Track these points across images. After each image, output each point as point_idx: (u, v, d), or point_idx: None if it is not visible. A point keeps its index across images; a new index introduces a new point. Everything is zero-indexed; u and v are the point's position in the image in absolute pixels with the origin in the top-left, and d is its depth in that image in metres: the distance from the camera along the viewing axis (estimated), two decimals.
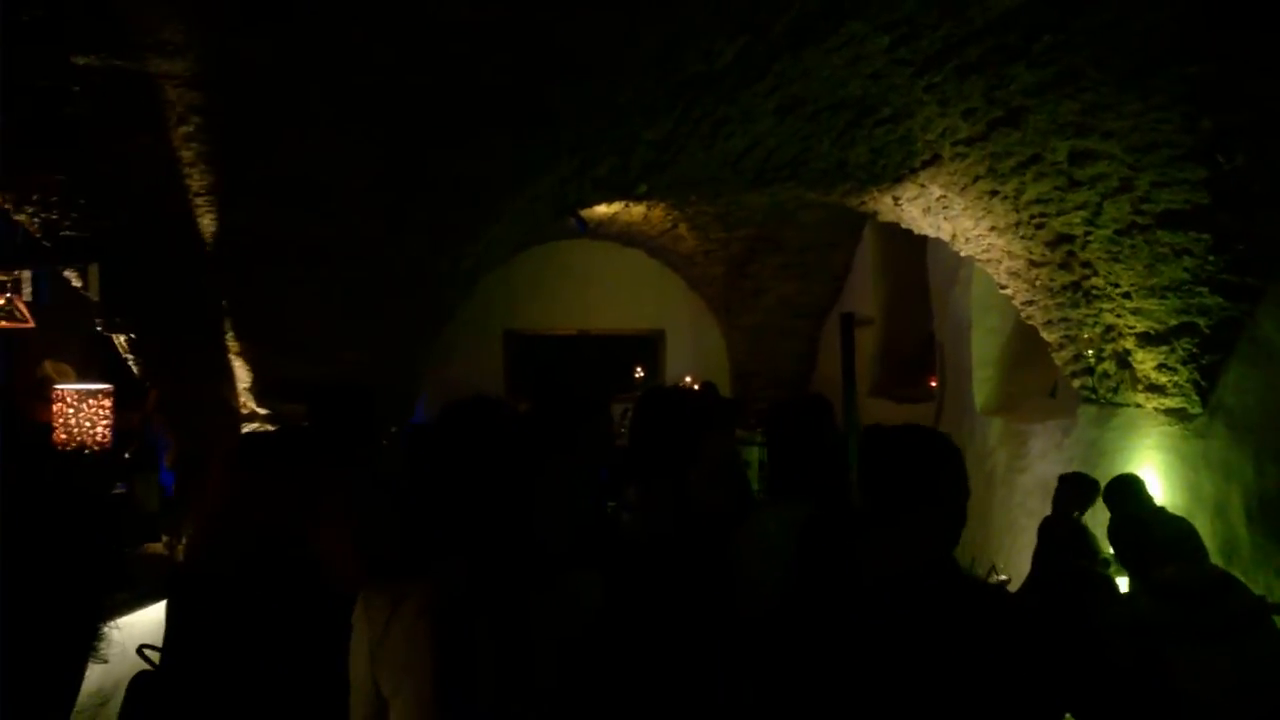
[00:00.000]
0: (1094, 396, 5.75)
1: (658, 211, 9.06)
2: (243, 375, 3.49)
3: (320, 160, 3.11)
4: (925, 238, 7.80)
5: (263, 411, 3.56)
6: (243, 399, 3.55)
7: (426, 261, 3.55)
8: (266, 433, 3.12)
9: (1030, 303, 5.95)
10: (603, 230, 9.95)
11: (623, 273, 10.83)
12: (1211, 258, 4.39)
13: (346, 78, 2.93)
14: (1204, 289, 4.53)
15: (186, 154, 3.03)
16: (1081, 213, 4.86)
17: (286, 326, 3.45)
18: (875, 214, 6.83)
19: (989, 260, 6.09)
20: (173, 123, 2.94)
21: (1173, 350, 4.89)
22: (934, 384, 8.16)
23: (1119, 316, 5.13)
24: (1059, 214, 5.02)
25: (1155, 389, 5.15)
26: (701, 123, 4.95)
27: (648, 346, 11.24)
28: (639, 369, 11.26)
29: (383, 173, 3.23)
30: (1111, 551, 4.55)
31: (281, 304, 3.43)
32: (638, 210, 9.03)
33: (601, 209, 8.64)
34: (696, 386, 10.29)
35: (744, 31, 3.44)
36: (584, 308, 10.84)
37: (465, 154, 3.26)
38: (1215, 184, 4.10)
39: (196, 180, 3.10)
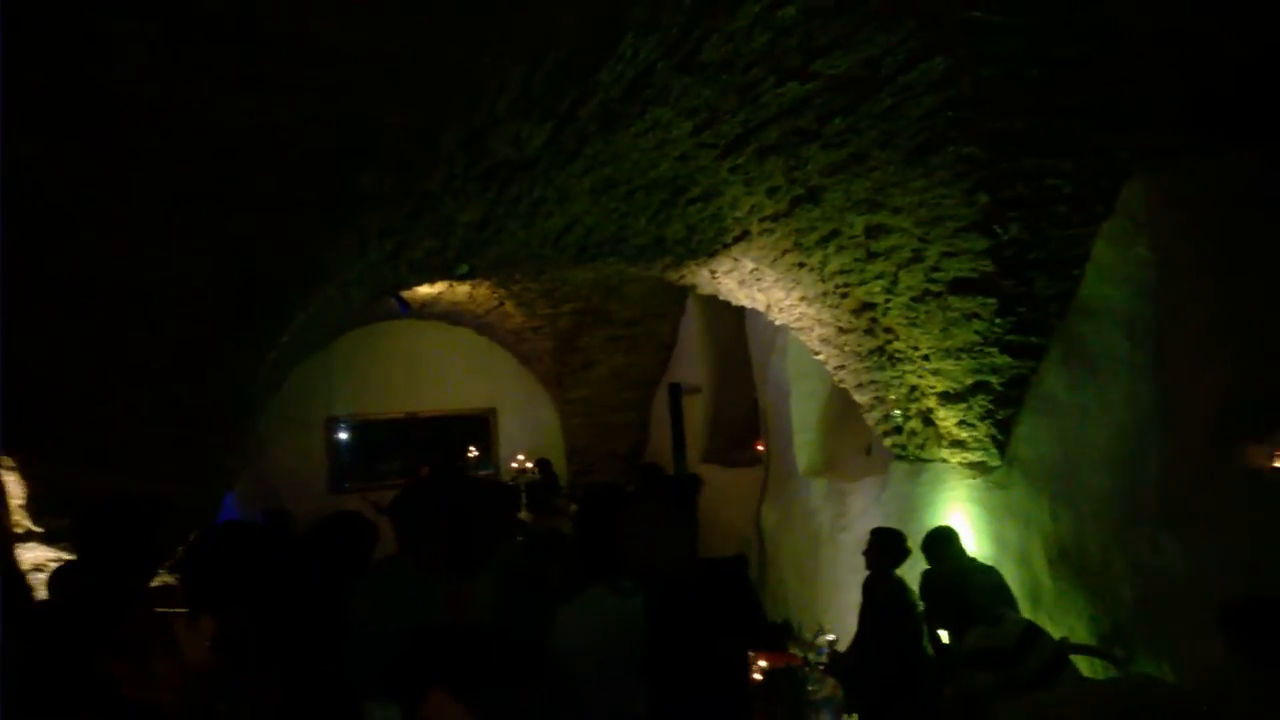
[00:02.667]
0: (904, 454, 6.04)
1: (483, 290, 9.01)
2: (15, 490, 3.16)
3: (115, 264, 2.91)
4: (744, 308, 8.10)
5: (39, 529, 3.23)
6: (16, 516, 3.22)
7: (227, 355, 3.35)
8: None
9: (841, 367, 6.22)
10: (427, 310, 9.79)
11: (451, 352, 10.67)
12: (998, 320, 4.73)
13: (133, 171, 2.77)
14: (994, 349, 4.86)
15: None
16: (880, 282, 5.15)
17: (63, 433, 3.17)
18: (695, 286, 7.03)
19: (802, 328, 6.36)
20: None
21: (970, 407, 5.21)
22: (761, 448, 8.38)
23: (920, 377, 5.43)
24: (861, 283, 5.31)
25: (958, 444, 5.46)
26: (519, 203, 4.96)
27: (479, 426, 11.05)
28: (472, 449, 11.05)
29: (188, 270, 3.05)
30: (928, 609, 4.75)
31: (90, 412, 3.15)
32: (462, 290, 8.95)
33: (425, 289, 8.51)
34: (531, 465, 10.18)
35: (550, 118, 3.50)
36: (412, 389, 10.58)
37: (269, 244, 3.13)
38: (996, 253, 4.43)
39: None
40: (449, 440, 10.72)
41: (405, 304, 8.22)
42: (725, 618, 2.82)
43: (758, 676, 4.90)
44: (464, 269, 6.30)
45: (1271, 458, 3.97)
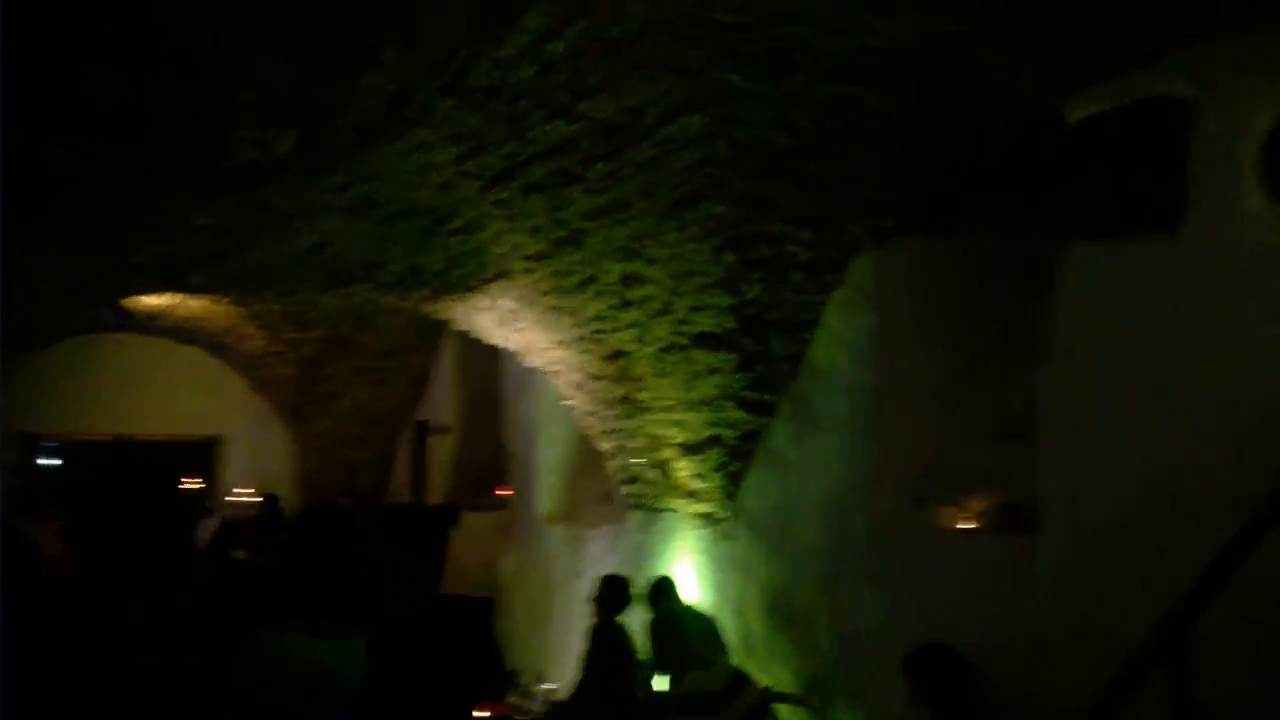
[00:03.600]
0: (640, 502, 6.17)
1: (222, 306, 8.40)
2: None
3: None
4: (499, 348, 8.05)
5: None
6: None
7: None
8: None
9: (590, 413, 6.30)
10: (154, 324, 8.99)
11: (175, 372, 9.87)
12: (737, 376, 4.97)
13: None
14: (731, 403, 5.10)
15: None
16: (633, 330, 5.28)
17: None
18: (451, 322, 6.92)
19: (554, 372, 6.39)
20: None
21: (705, 459, 5.41)
22: (506, 493, 8.29)
23: (663, 428, 5.59)
24: (614, 331, 5.42)
25: (691, 495, 5.65)
26: (266, 214, 4.69)
27: (202, 454, 10.23)
28: (194, 479, 10.21)
29: None
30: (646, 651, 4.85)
31: None
32: (198, 304, 8.30)
33: (152, 300, 7.82)
34: (259, 498, 9.53)
35: (298, 123, 3.34)
36: (127, 410, 9.67)
37: None
38: (739, 311, 4.67)
39: None
40: (166, 468, 9.88)
41: (124, 314, 7.48)
42: (464, 666, 2.68)
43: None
44: (197, 280, 5.86)
45: (956, 519, 4.39)
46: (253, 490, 9.67)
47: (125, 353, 9.51)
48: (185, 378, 9.92)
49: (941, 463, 4.44)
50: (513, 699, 5.16)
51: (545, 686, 5.27)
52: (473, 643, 4.66)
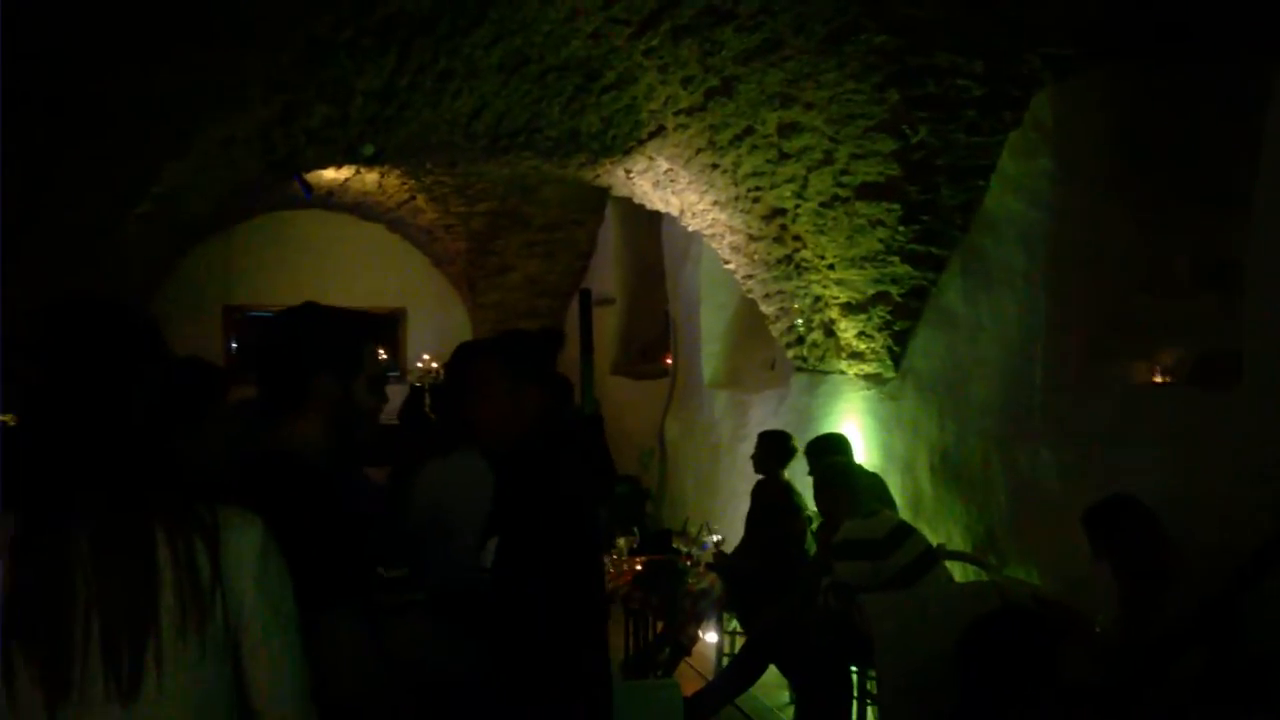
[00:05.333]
0: (805, 365, 6.06)
1: (393, 180, 8.69)
2: None
3: None
4: (661, 217, 7.98)
5: None
6: None
7: (79, 200, 3.12)
8: None
9: (750, 276, 6.18)
10: (335, 200, 9.43)
11: (361, 247, 10.33)
12: (901, 228, 4.71)
13: None
14: (895, 258, 4.85)
15: None
16: (791, 185, 5.08)
17: None
18: (610, 188, 6.88)
19: (714, 235, 6.28)
20: None
21: (870, 318, 5.22)
22: (669, 361, 8.35)
23: (825, 287, 5.41)
24: (772, 187, 5.23)
25: (856, 356, 5.49)
26: (423, 75, 4.74)
27: (388, 325, 10.80)
28: (380, 350, 10.81)
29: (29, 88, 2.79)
30: (815, 507, 4.81)
31: None
32: (371, 177, 8.62)
33: (330, 174, 8.17)
34: (437, 366, 10.00)
35: None
36: (318, 283, 10.16)
37: (129, 68, 2.88)
38: (904, 156, 4.39)
39: None
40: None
41: (309, 186, 7.86)
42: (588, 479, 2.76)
43: (639, 568, 4.94)
44: (369, 150, 6.03)
45: (1150, 373, 4.07)
46: (431, 358, 10.14)
47: (312, 228, 10.03)
48: (370, 252, 10.39)
49: (1126, 315, 4.09)
50: (679, 545, 5.27)
51: (713, 538, 5.35)
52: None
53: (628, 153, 5.92)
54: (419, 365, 10.27)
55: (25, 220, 2.76)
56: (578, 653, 2.17)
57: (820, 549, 4.62)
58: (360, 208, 9.92)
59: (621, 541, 5.18)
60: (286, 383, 1.87)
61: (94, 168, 3.17)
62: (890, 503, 4.83)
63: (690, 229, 6.52)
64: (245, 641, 1.37)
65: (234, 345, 10.22)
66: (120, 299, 1.51)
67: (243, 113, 3.96)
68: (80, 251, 3.36)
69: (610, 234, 9.64)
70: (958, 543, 4.79)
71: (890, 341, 5.23)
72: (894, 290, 5.04)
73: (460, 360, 2.40)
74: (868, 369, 5.50)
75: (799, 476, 5.20)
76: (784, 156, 4.93)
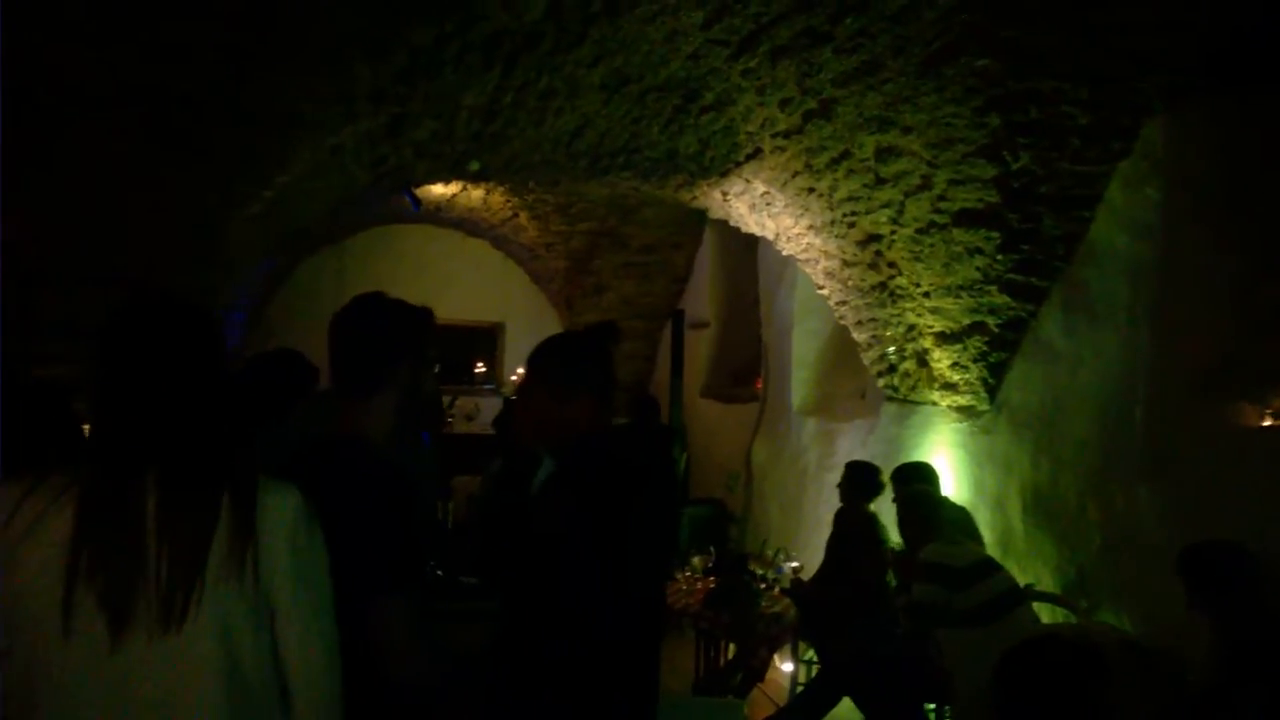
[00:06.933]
0: (895, 395, 5.94)
1: (497, 197, 8.91)
2: None
3: (67, 71, 2.85)
4: (757, 242, 7.97)
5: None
6: None
7: (192, 198, 3.29)
8: None
9: (843, 303, 6.11)
10: (442, 214, 9.72)
11: (464, 262, 10.62)
12: (1000, 257, 4.59)
13: None
14: (993, 288, 4.73)
15: None
16: (887, 211, 5.01)
17: (36, 260, 3.13)
18: (707, 210, 6.92)
19: (808, 260, 6.24)
20: None
21: (965, 349, 5.10)
22: (759, 386, 8.31)
23: (919, 316, 5.32)
24: (868, 212, 5.18)
25: (949, 387, 5.36)
26: (526, 92, 4.86)
27: (487, 339, 11.04)
28: (479, 363, 11.06)
29: (138, 90, 2.98)
30: (898, 539, 4.70)
31: (29, 233, 3.10)
32: (477, 194, 8.86)
33: (439, 189, 8.44)
34: None
35: None
36: (423, 295, 10.24)
37: (226, 80, 3.05)
38: (1004, 183, 4.29)
39: None
40: (454, 351, 10.73)
41: (416, 200, 8.14)
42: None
43: (711, 587, 4.90)
44: (474, 166, 6.21)
45: (1260, 416, 3.86)
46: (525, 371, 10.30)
47: (419, 243, 10.36)
48: (472, 268, 10.66)
49: (1234, 354, 3.90)
50: (755, 568, 5.21)
51: (791, 564, 5.27)
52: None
53: (725, 174, 5.94)
54: (513, 379, 10.46)
55: (148, 213, 2.95)
56: (613, 659, 2.05)
57: (900, 577, 4.51)
58: (465, 224, 10.19)
59: (696, 560, 5.16)
60: (367, 368, 1.94)
61: (208, 168, 3.36)
62: (978, 539, 4.69)
63: (785, 254, 6.49)
64: (278, 607, 1.51)
65: None
66: (185, 299, 1.63)
67: (351, 124, 4.12)
68: (189, 249, 3.55)
69: (707, 258, 9.67)
70: (1047, 584, 4.61)
71: (985, 373, 5.09)
72: (990, 320, 4.91)
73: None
74: (961, 401, 5.37)
75: (884, 505, 5.10)
76: (880, 181, 4.87)
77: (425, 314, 2.06)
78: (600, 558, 2.00)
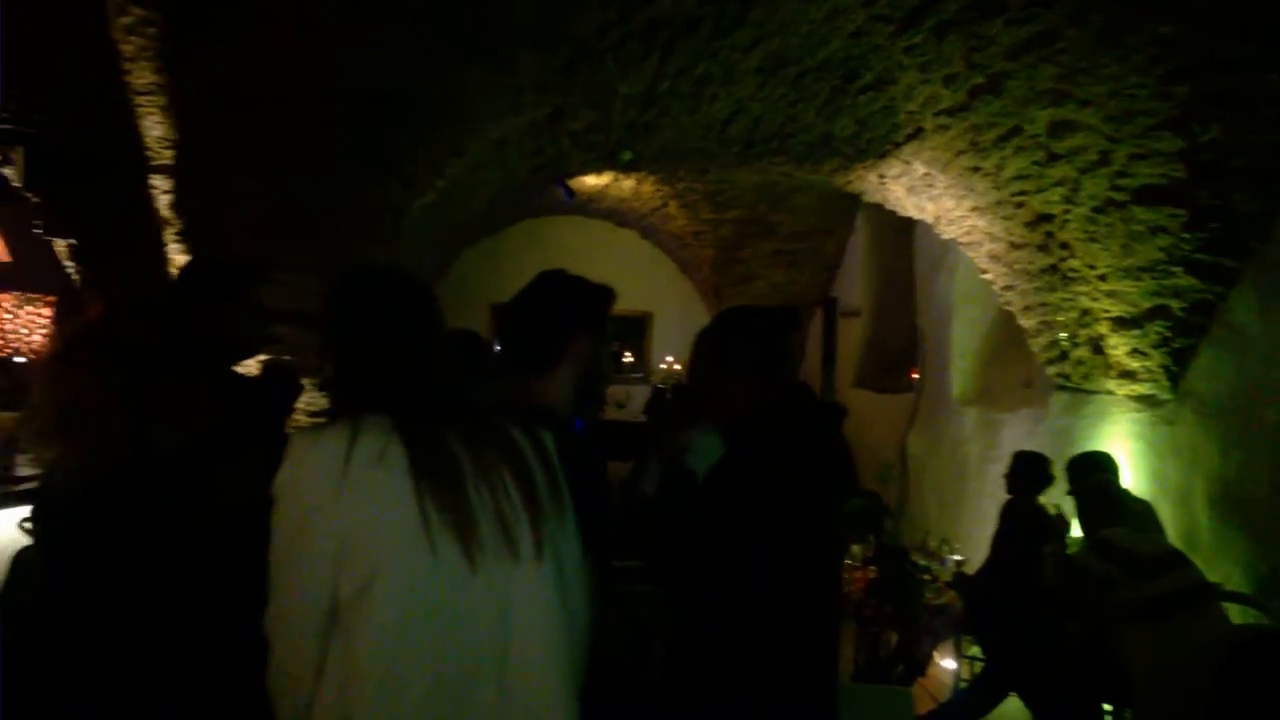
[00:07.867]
0: (1067, 383, 5.67)
1: (647, 186, 8.99)
2: None
3: (271, 65, 3.03)
4: (913, 227, 7.75)
5: None
6: None
7: (376, 186, 3.46)
8: None
9: (1009, 287, 5.87)
10: (593, 205, 9.88)
11: (614, 252, 10.76)
12: (1186, 236, 4.31)
13: None
14: (1178, 269, 4.45)
15: (127, 48, 2.94)
16: (1060, 189, 4.78)
17: (229, 242, 3.37)
18: (862, 194, 6.77)
19: (970, 243, 6.02)
20: (113, 13, 2.87)
21: (1145, 334, 4.81)
22: (914, 376, 8.08)
23: (1094, 300, 5.05)
24: (1038, 191, 4.95)
25: (1127, 375, 5.07)
26: (682, 78, 4.88)
27: (635, 327, 11.16)
28: (627, 352, 11.20)
29: (335, 84, 3.15)
30: (1074, 535, 4.49)
31: (224, 217, 3.34)
32: (627, 184, 8.96)
33: (591, 180, 8.58)
34: (679, 367, 10.23)
35: None
36: None
37: (416, 74, 3.18)
38: (1192, 157, 4.02)
39: (137, 78, 3.02)
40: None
41: (570, 190, 8.30)
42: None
43: (872, 576, 4.80)
44: (627, 156, 6.28)
45: None
46: (674, 359, 10.38)
47: (570, 233, 10.57)
48: (622, 258, 10.80)
49: None
50: (919, 559, 5.08)
51: (955, 558, 5.11)
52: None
53: (882, 156, 5.80)
54: (661, 367, 10.54)
55: (338, 201, 3.13)
56: (795, 643, 2.03)
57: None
58: (615, 214, 10.32)
59: (856, 549, 5.07)
60: (547, 342, 1.99)
61: (393, 157, 3.52)
62: (1161, 534, 4.42)
63: (945, 237, 6.29)
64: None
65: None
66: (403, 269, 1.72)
67: (515, 115, 4.23)
68: (376, 235, 3.73)
69: (858, 244, 9.47)
70: (1236, 582, 4.30)
71: (1168, 360, 4.79)
72: (1174, 304, 4.61)
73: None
74: (1140, 389, 5.07)
75: (1057, 498, 4.87)
76: (1053, 158, 4.65)
77: (606, 291, 2.10)
78: (784, 542, 1.99)
